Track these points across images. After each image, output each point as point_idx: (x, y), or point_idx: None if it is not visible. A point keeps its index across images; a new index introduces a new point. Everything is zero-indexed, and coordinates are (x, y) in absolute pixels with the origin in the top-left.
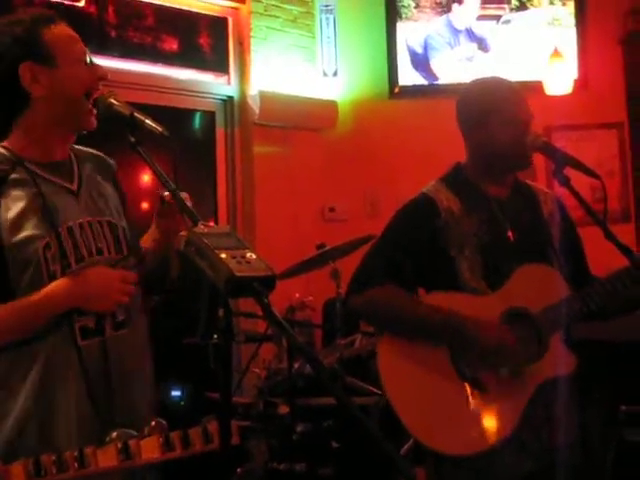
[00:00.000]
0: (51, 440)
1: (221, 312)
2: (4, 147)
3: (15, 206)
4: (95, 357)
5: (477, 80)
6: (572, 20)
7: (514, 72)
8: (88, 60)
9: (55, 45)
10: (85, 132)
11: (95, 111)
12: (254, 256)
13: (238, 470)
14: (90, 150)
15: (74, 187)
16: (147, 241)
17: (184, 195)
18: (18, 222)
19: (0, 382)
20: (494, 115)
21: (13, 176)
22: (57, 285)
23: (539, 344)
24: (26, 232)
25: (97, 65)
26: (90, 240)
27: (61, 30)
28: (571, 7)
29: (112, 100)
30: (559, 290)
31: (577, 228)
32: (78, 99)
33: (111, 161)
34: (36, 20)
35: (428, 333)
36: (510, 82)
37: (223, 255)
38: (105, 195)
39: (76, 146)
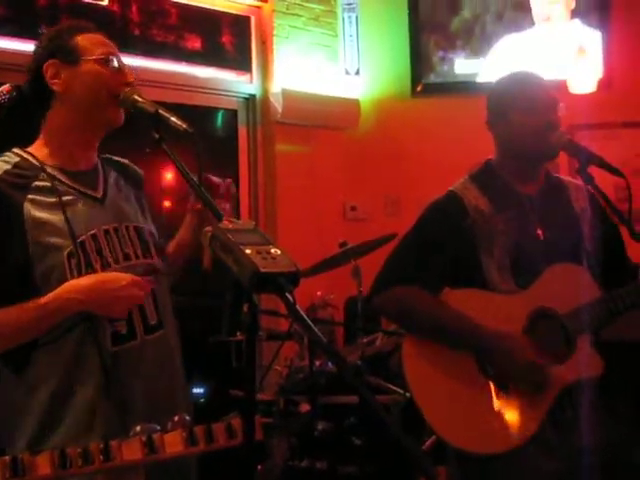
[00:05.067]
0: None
1: (246, 308)
2: (29, 153)
3: (39, 212)
4: (126, 362)
5: (504, 75)
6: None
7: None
8: (115, 64)
9: (80, 45)
10: (112, 129)
11: (122, 109)
12: (279, 252)
13: (259, 467)
14: (117, 158)
15: (99, 194)
16: (179, 241)
17: (229, 182)
18: (42, 227)
19: (26, 380)
20: (515, 105)
21: (36, 183)
22: (66, 287)
23: (566, 345)
24: (50, 239)
25: (126, 71)
26: (116, 246)
27: (92, 36)
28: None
29: (136, 97)
30: (589, 291)
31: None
32: (98, 97)
33: (139, 170)
34: (71, 27)
35: (450, 342)
36: (536, 75)
37: (248, 251)
38: (131, 200)
39: (103, 155)
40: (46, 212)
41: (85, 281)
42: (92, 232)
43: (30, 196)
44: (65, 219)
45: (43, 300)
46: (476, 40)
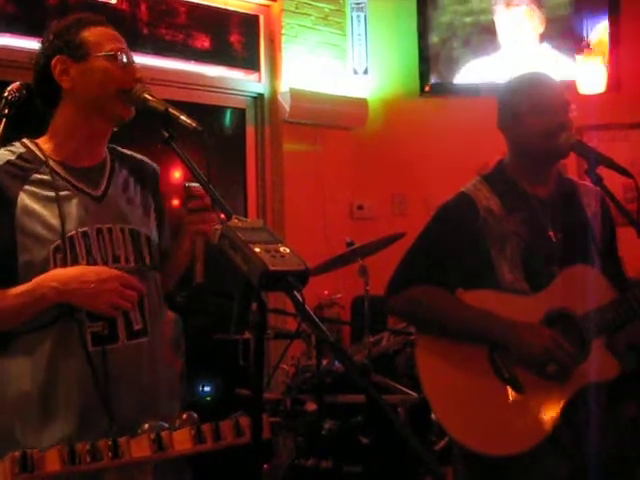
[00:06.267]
0: (47, 428)
1: (254, 306)
2: (36, 144)
3: (33, 204)
4: (102, 364)
5: (514, 76)
6: (605, 19)
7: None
8: (125, 60)
9: (89, 41)
10: (122, 123)
11: (130, 105)
12: (288, 250)
13: (265, 466)
14: (134, 154)
15: (98, 193)
16: (181, 248)
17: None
18: (33, 218)
19: (9, 368)
20: (525, 106)
21: (36, 176)
22: (49, 275)
23: (581, 347)
24: (38, 231)
25: (135, 67)
26: (107, 246)
27: (101, 30)
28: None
29: (147, 95)
30: (604, 293)
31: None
32: (107, 93)
33: (154, 166)
34: (79, 20)
35: (472, 336)
36: (547, 76)
37: (257, 249)
38: (134, 202)
39: (119, 148)
40: (40, 204)
41: (68, 271)
42: (83, 229)
43: (27, 187)
44: (58, 214)
45: (25, 287)
46: (443, 64)
